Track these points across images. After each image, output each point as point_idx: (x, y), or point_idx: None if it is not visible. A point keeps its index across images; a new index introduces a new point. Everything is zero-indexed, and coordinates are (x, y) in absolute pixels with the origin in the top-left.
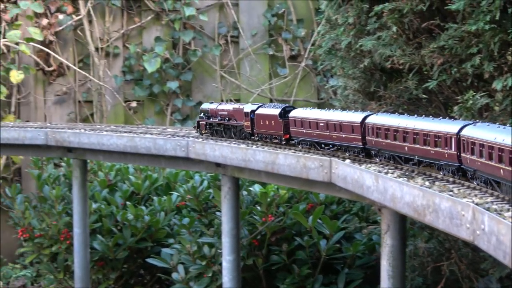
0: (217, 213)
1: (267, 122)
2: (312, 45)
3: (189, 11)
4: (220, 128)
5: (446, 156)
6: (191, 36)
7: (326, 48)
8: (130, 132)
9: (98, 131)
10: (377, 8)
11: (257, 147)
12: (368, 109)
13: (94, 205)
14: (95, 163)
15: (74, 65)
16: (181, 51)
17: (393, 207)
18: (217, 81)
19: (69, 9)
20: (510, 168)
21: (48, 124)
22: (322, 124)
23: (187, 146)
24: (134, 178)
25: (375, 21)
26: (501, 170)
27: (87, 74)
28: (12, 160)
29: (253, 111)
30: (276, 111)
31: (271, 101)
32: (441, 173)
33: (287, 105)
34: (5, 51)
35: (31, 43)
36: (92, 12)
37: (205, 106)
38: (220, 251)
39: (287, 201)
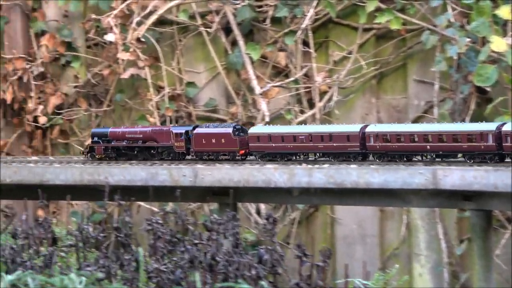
0: None
1: (213, 141)
2: None
3: None
4: (130, 151)
5: (482, 147)
6: None
7: None
8: None
9: None
10: None
11: None
12: None
13: None
14: None
15: None
16: None
17: None
18: None
19: None
20: None
21: None
22: (302, 137)
23: None
24: None
25: None
26: None
27: None
28: None
29: (187, 132)
30: (227, 130)
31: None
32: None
33: (233, 123)
34: None
35: None
36: None
37: (98, 130)
38: None
39: None
